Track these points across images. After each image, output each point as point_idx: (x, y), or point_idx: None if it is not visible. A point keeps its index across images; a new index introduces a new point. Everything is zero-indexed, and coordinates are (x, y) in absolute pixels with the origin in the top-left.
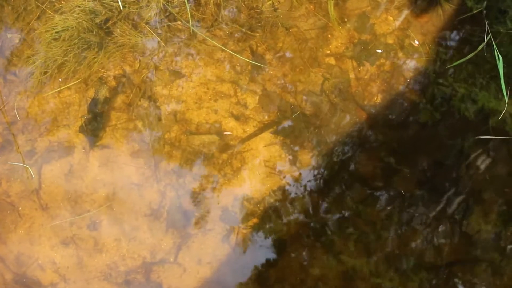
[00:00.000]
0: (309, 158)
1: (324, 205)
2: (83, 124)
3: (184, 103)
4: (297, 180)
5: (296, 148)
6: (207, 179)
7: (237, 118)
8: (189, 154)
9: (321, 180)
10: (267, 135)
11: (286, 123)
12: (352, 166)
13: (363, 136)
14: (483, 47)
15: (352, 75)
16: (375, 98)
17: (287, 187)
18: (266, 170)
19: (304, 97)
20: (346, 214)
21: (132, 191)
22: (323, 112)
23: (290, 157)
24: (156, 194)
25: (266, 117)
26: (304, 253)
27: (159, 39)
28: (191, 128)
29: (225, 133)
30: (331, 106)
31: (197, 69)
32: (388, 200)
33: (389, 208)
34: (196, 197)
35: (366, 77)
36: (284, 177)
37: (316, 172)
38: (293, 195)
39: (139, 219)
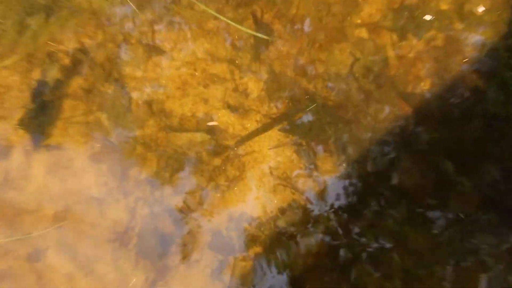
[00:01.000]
0: (332, 165)
1: (356, 229)
2: (25, 117)
3: (164, 89)
4: (317, 194)
5: (315, 151)
6: (193, 192)
7: (234, 109)
8: (170, 159)
9: (351, 196)
10: (274, 134)
11: (301, 118)
12: (393, 177)
13: (408, 136)
14: None
15: (391, 53)
16: (422, 84)
17: (302, 203)
18: (273, 180)
19: (326, 83)
20: (387, 242)
21: (90, 208)
22: (352, 103)
23: (307, 163)
24: (123, 212)
25: (274, 109)
26: None
27: (130, 2)
28: (173, 122)
29: (209, 123)
30: (362, 95)
31: (182, 43)
32: (443, 224)
33: (444, 235)
34: (177, 217)
35: (410, 55)
36: (298, 190)
37: (343, 184)
38: (312, 215)
39: (99, 246)
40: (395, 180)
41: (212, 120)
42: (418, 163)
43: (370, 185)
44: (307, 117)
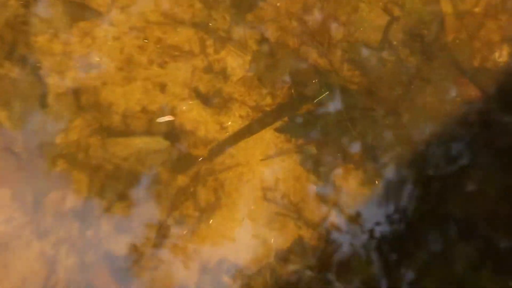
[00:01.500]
0: (359, 183)
1: (410, 274)
2: None
3: (98, 71)
4: (337, 228)
5: (332, 161)
6: (146, 228)
7: (207, 100)
8: (108, 178)
9: (392, 230)
10: (269, 136)
11: (310, 111)
12: (455, 200)
13: (477, 136)
14: None
15: (447, 7)
16: (497, 55)
17: (315, 244)
18: (268, 208)
19: (348, 56)
20: None
21: None
22: (388, 87)
23: (320, 180)
24: (37, 262)
25: (268, 99)
26: None
27: None
28: (112, 122)
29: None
30: (404, 74)
31: None
32: None
33: None
34: (121, 268)
35: (477, 9)
36: (308, 222)
37: (377, 211)
38: (330, 260)
39: None
40: (458, 205)
41: (167, 115)
42: (493, 179)
43: (420, 213)
44: (319, 110)
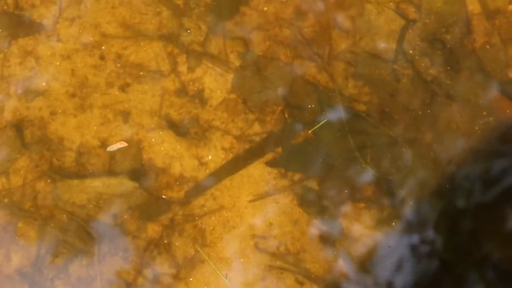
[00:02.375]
0: (371, 223)
1: None
2: None
3: (45, 99)
4: (348, 283)
5: (337, 200)
6: None
7: (181, 130)
8: (62, 230)
9: (415, 276)
10: (259, 172)
11: (307, 140)
12: (489, 237)
13: None
14: None
15: (474, 6)
16: None
17: None
18: (261, 260)
19: (353, 70)
20: None
21: None
22: (405, 107)
23: (324, 224)
24: None
25: (256, 126)
26: None
27: None
28: (65, 161)
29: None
30: (423, 90)
31: (74, 7)
32: None
33: None
34: None
35: (511, 7)
36: (311, 277)
37: (396, 255)
38: None
39: None
40: (496, 246)
41: (134, 149)
42: None
43: (449, 258)
44: (319, 138)
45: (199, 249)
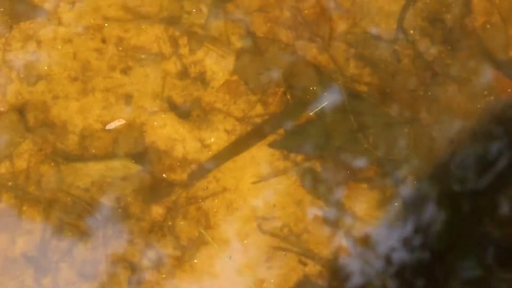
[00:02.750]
0: (374, 203)
1: None
2: None
3: (47, 82)
4: (349, 266)
5: (340, 181)
6: (116, 273)
7: (183, 112)
8: (66, 213)
9: (418, 254)
10: (262, 154)
11: (310, 121)
12: (489, 217)
13: None
14: None
15: None
16: None
17: (323, 284)
18: (264, 241)
19: (354, 51)
20: None
21: None
22: (405, 88)
23: (326, 205)
24: None
25: (259, 107)
26: None
27: None
28: (68, 145)
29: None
30: (424, 70)
31: None
32: None
33: None
34: None
35: None
36: (314, 257)
37: (399, 235)
38: None
39: None
40: (496, 225)
41: (137, 132)
42: None
43: (450, 235)
44: (321, 119)
45: (202, 231)
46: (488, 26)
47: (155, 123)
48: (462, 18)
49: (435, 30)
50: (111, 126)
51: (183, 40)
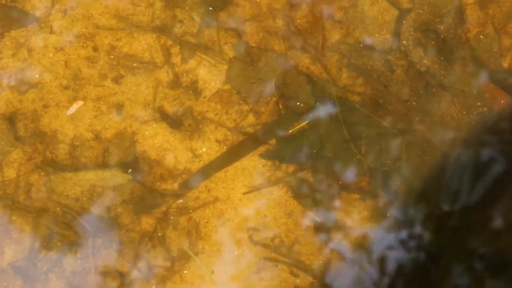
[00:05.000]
0: (366, 214)
1: None
2: None
3: (37, 91)
4: (342, 276)
5: (332, 191)
6: (105, 284)
7: (174, 122)
8: (56, 223)
9: (410, 265)
10: (253, 164)
11: (302, 131)
12: (480, 230)
13: (508, 151)
14: None
15: None
16: None
17: None
18: (255, 252)
19: (347, 61)
20: None
21: None
22: (398, 97)
23: (318, 214)
24: None
25: (251, 117)
26: None
27: None
28: (58, 154)
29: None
30: (417, 80)
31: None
32: None
33: None
34: None
35: None
36: (306, 269)
37: (391, 246)
38: None
39: None
40: (487, 239)
41: (128, 141)
42: None
43: (441, 247)
44: (314, 129)
45: (185, 248)
46: (482, 36)
47: (147, 132)
48: (456, 29)
49: (428, 41)
50: (71, 110)
51: (175, 49)
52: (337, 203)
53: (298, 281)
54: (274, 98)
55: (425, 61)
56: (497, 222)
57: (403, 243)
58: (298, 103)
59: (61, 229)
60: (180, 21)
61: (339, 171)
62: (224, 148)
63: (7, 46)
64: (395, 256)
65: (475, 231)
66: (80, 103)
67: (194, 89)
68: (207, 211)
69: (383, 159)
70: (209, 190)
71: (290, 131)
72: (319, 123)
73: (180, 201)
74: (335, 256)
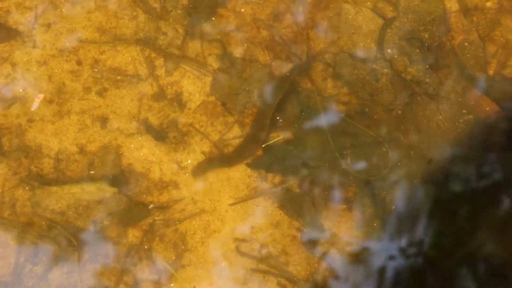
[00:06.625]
0: (353, 224)
1: None
2: None
3: (21, 105)
4: (332, 281)
5: (319, 202)
6: None
7: (159, 134)
8: (42, 237)
9: (402, 276)
10: (240, 175)
11: (288, 141)
12: (473, 244)
13: (498, 163)
14: None
15: (452, 3)
16: None
17: None
18: (243, 264)
19: (332, 71)
20: None
21: None
22: (384, 106)
23: (306, 226)
24: None
25: (236, 129)
26: None
27: None
28: (44, 168)
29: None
30: (402, 89)
31: (49, 13)
32: None
33: None
34: None
35: (488, 4)
36: (294, 280)
37: (380, 256)
38: None
39: None
40: (479, 251)
41: (112, 154)
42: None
43: (440, 253)
44: (300, 139)
45: (167, 265)
46: (466, 44)
47: (132, 145)
48: (440, 37)
49: (413, 49)
50: (34, 106)
51: (159, 61)
52: (324, 213)
53: None
54: (257, 106)
55: (410, 69)
56: (482, 233)
57: (389, 252)
58: (284, 114)
59: (47, 243)
60: (164, 33)
61: (325, 181)
62: (210, 160)
63: None
64: (382, 266)
65: (459, 243)
66: (41, 96)
67: (179, 101)
68: (194, 223)
69: (369, 169)
70: (195, 202)
71: (263, 145)
72: (305, 133)
73: (151, 206)
74: (323, 267)
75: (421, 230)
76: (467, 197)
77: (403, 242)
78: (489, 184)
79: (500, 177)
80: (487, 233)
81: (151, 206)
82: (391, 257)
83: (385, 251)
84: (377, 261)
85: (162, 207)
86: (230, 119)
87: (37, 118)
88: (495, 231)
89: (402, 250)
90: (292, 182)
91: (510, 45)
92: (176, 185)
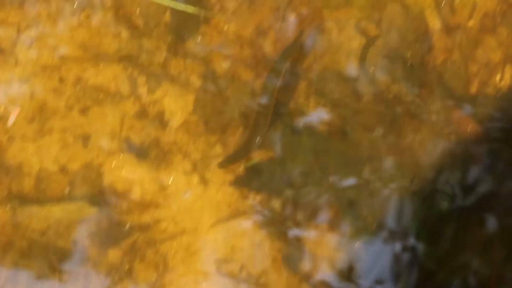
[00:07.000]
0: (334, 244)
1: None
2: None
3: (3, 122)
4: None
5: (301, 220)
6: None
7: (141, 153)
8: (22, 258)
9: None
10: (221, 193)
11: (271, 159)
12: (458, 260)
13: (479, 181)
14: None
15: (434, 22)
16: (498, 77)
17: None
18: (223, 283)
19: (314, 88)
20: None
21: None
22: (365, 125)
23: (286, 247)
24: None
25: (218, 147)
26: None
27: None
28: (24, 187)
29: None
30: (384, 108)
31: (32, 29)
32: None
33: None
34: None
35: (471, 24)
36: None
37: (362, 276)
38: None
39: None
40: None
41: (93, 173)
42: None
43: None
44: (281, 158)
45: (148, 287)
46: (449, 63)
47: (113, 164)
48: (423, 56)
49: (396, 68)
50: (10, 120)
51: (141, 79)
52: (306, 233)
53: None
54: (241, 127)
55: (392, 87)
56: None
57: (371, 273)
58: (266, 133)
59: (27, 263)
60: (147, 51)
61: (307, 201)
62: (192, 179)
63: None
64: (364, 286)
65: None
66: (17, 110)
67: (161, 119)
68: (174, 243)
69: (350, 188)
70: (176, 222)
71: (243, 166)
72: (287, 152)
73: (128, 225)
74: (307, 284)
75: (404, 249)
76: (451, 215)
77: (386, 260)
78: (472, 202)
79: (482, 195)
80: (471, 252)
81: (128, 225)
82: (372, 277)
83: (367, 271)
84: (360, 281)
85: (143, 227)
86: (212, 138)
87: (18, 136)
88: (479, 249)
89: (386, 270)
90: (274, 201)
91: (492, 64)
92: (157, 205)
